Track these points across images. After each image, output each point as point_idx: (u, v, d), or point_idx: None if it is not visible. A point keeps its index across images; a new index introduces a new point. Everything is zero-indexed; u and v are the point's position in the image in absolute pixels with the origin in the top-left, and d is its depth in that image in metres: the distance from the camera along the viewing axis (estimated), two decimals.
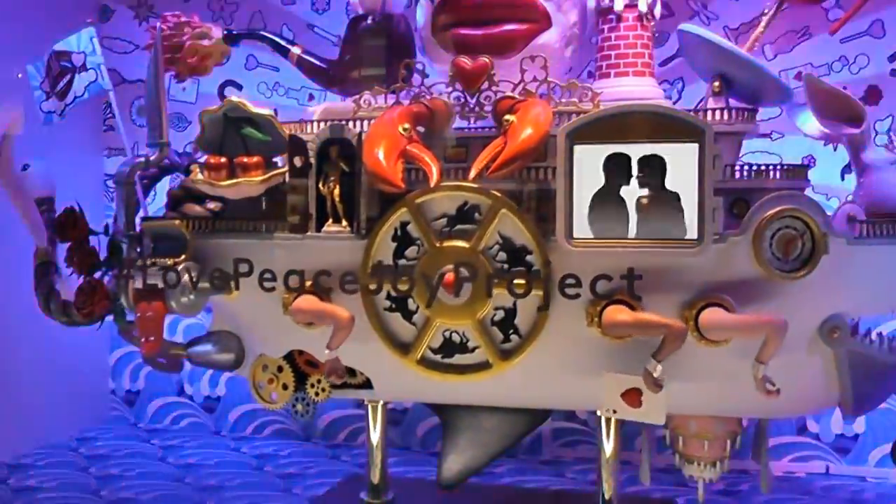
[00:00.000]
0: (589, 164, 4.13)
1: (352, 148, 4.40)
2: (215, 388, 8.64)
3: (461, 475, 4.99)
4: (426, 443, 7.86)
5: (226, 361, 5.12)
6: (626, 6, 4.76)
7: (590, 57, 5.06)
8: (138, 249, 4.90)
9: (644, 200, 4.10)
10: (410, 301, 4.45)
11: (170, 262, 4.70)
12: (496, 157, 4.03)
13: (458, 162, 4.39)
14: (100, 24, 8.63)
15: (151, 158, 5.05)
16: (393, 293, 4.42)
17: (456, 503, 5.32)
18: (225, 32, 5.48)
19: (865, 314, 4.51)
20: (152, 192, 5.31)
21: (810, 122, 4.57)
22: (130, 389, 8.93)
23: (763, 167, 4.20)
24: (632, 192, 4.12)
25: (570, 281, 4.14)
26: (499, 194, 4.23)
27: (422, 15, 5.01)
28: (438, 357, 4.51)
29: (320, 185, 4.47)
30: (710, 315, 4.03)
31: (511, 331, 4.39)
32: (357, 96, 4.72)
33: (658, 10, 4.85)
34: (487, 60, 4.42)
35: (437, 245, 4.33)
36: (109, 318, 5.15)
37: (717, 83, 4.46)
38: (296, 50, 5.34)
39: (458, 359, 4.48)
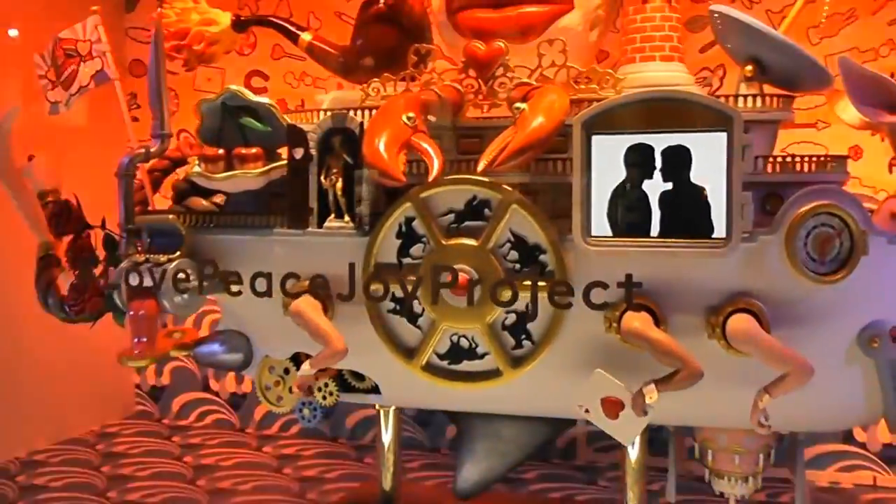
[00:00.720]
0: (608, 155, 3.84)
1: (355, 138, 4.15)
2: (241, 385, 8.51)
3: (479, 486, 4.76)
4: (456, 445, 7.52)
5: (233, 362, 4.90)
6: None
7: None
8: (139, 245, 4.69)
9: (667, 195, 3.80)
10: (415, 303, 4.17)
11: (163, 258, 4.49)
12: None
13: (471, 153, 4.08)
14: (125, 13, 8.57)
15: (153, 150, 4.81)
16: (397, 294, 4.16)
17: None
18: (233, 18, 5.21)
19: None
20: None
21: (849, 111, 4.23)
22: (155, 385, 8.88)
23: (798, 158, 3.87)
24: (655, 187, 3.82)
25: (588, 283, 3.83)
26: (510, 188, 3.95)
27: None
28: (445, 363, 4.24)
29: (322, 178, 4.24)
30: (739, 324, 3.73)
31: (523, 336, 4.11)
32: (365, 84, 4.44)
33: None
34: (502, 45, 4.14)
35: (444, 243, 4.06)
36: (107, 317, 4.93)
37: (749, 67, 4.14)
38: (306, 36, 5.06)
39: (467, 365, 4.22)
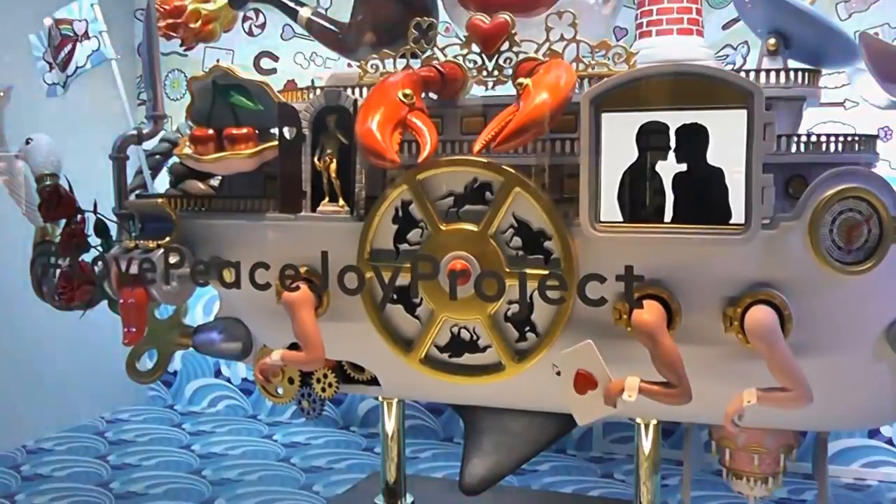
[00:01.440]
0: (619, 134, 3.57)
1: (350, 117, 3.92)
2: (252, 371, 8.27)
3: (485, 481, 4.51)
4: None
5: (232, 350, 4.75)
6: None
7: None
8: (132, 230, 4.59)
9: (681, 178, 3.54)
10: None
11: (152, 245, 4.31)
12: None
13: (475, 133, 3.80)
14: None
15: (145, 132, 4.71)
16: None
17: None
18: None
19: None
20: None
21: (874, 90, 3.98)
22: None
23: (824, 137, 3.60)
24: (668, 168, 3.56)
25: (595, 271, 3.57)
26: (513, 170, 3.71)
27: None
28: (445, 356, 4.02)
29: (316, 160, 4.02)
30: (758, 316, 3.48)
31: (527, 328, 3.87)
32: (363, 60, 4.20)
33: None
34: (507, 19, 3.88)
35: (442, 228, 3.83)
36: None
37: (772, 41, 3.89)
38: (305, 12, 4.83)
39: (468, 359, 3.99)
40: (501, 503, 5.28)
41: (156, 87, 4.66)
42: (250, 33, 8.10)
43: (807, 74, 3.73)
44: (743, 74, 3.58)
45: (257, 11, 7.97)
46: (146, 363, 4.94)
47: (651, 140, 3.57)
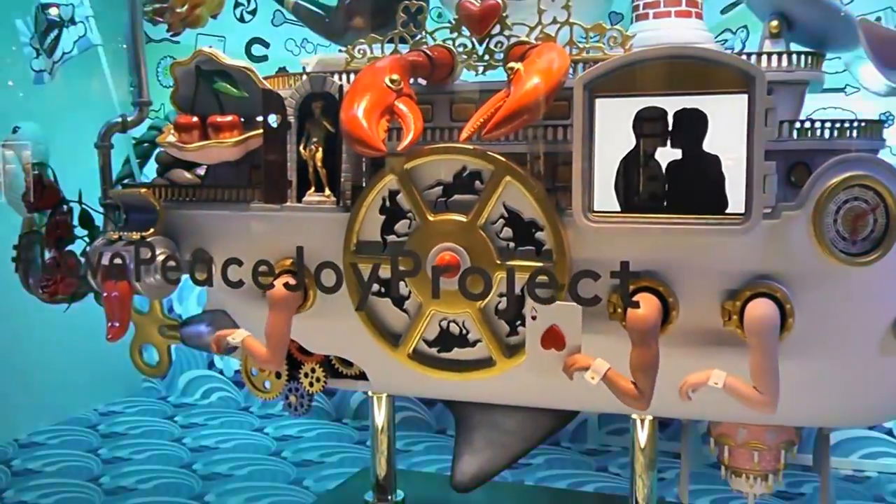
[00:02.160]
0: (614, 121, 3.45)
1: (336, 104, 3.78)
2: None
3: (477, 479, 4.43)
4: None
5: None
6: None
7: None
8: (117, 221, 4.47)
9: (678, 165, 3.42)
10: (402, 284, 3.82)
11: (135, 236, 4.19)
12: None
13: (465, 120, 3.68)
14: None
15: (129, 119, 4.60)
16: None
17: None
18: None
19: None
20: None
21: (873, 77, 3.86)
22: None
23: (828, 123, 3.47)
24: (665, 156, 3.44)
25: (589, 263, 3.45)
26: (503, 158, 3.59)
27: None
28: (434, 351, 3.91)
29: (301, 148, 3.90)
30: (759, 311, 3.36)
31: (519, 322, 3.75)
32: (350, 45, 4.07)
33: None
34: (498, 1, 3.77)
35: (431, 219, 3.71)
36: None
37: (774, 23, 3.76)
38: None
39: (457, 353, 3.88)
40: (494, 500, 5.19)
41: (140, 72, 4.55)
42: (241, 19, 7.99)
43: (810, 58, 3.61)
44: (744, 58, 3.45)
45: None
46: (152, 354, 4.86)
47: (647, 127, 3.44)
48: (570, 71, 3.56)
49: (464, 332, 3.85)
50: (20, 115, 4.89)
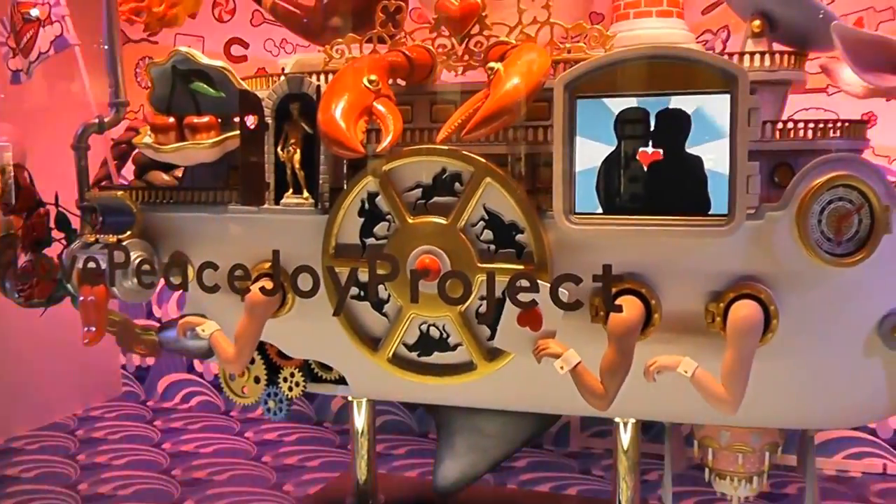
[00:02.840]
0: (595, 121, 3.42)
1: (313, 105, 3.74)
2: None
3: (459, 483, 4.43)
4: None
5: (198, 349, 4.56)
6: None
7: None
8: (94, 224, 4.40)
9: (660, 166, 3.39)
10: (381, 287, 3.79)
11: (112, 239, 4.13)
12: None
13: (445, 121, 3.63)
14: None
15: (106, 120, 4.51)
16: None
17: None
18: None
19: None
20: None
21: (851, 80, 3.83)
22: (140, 365, 8.66)
23: (812, 124, 3.45)
24: (648, 157, 3.41)
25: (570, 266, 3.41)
26: (483, 159, 3.56)
27: None
28: (414, 355, 3.87)
29: (279, 149, 3.86)
30: (743, 312, 3.34)
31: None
32: (328, 45, 4.03)
33: None
34: (478, 1, 3.73)
35: (410, 221, 3.68)
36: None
37: (756, 22, 3.71)
38: None
39: (437, 357, 3.84)
40: None
41: (117, 73, 4.47)
42: (220, 19, 7.91)
43: (792, 57, 3.59)
44: (726, 58, 3.44)
45: None
46: None
47: (629, 127, 3.42)
48: (551, 71, 3.53)
49: (444, 335, 3.81)
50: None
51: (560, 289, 3.27)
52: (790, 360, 3.38)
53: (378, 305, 3.86)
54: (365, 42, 3.91)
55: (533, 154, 3.60)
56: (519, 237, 3.59)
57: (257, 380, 4.52)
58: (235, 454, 7.01)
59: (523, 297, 3.33)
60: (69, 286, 4.35)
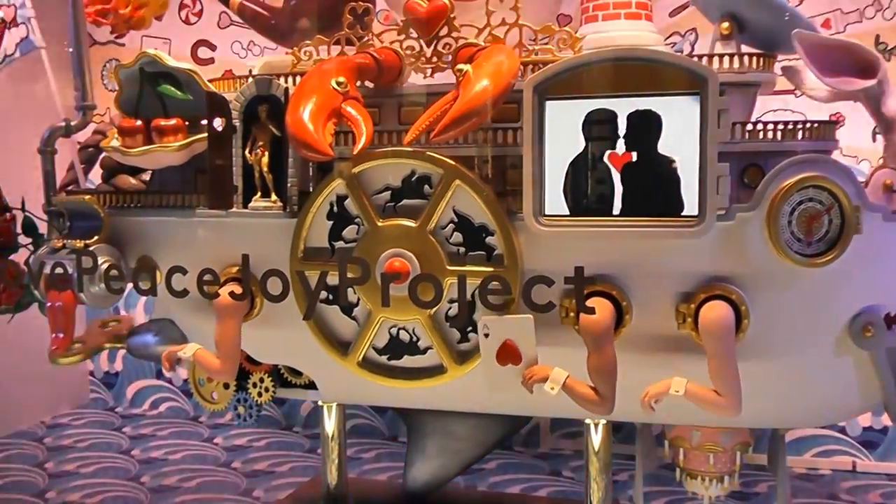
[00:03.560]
0: (565, 123, 3.41)
1: (282, 107, 3.70)
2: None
3: (429, 486, 4.45)
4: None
5: None
6: None
7: None
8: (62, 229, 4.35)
9: (631, 168, 3.38)
10: (350, 291, 3.76)
11: (79, 244, 4.08)
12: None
13: (413, 123, 3.63)
14: None
15: (73, 123, 4.47)
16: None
17: None
18: None
19: None
20: None
21: (815, 85, 3.86)
22: (109, 371, 8.65)
23: (782, 125, 3.45)
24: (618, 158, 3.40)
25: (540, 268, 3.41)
26: (452, 162, 3.53)
27: None
28: (384, 359, 3.84)
29: (247, 152, 3.82)
30: (714, 313, 3.32)
31: (470, 328, 3.68)
32: (296, 47, 4.01)
33: None
34: (446, 2, 3.70)
35: (380, 224, 3.65)
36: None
37: (725, 24, 3.73)
38: None
39: (408, 361, 3.81)
40: None
41: (84, 75, 4.42)
42: (187, 21, 7.87)
43: (761, 59, 3.59)
44: (696, 59, 3.43)
45: None
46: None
47: (598, 129, 3.41)
48: (520, 73, 3.50)
49: (414, 339, 3.78)
50: None
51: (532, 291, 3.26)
52: (761, 360, 3.37)
53: (347, 309, 3.82)
54: (333, 44, 3.88)
55: (502, 156, 3.57)
56: (489, 239, 3.56)
57: (226, 386, 4.47)
58: (205, 460, 6.98)
59: (494, 298, 3.32)
60: (36, 292, 4.30)
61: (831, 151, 3.51)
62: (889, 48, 6.05)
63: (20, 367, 7.39)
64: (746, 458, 4.06)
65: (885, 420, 6.26)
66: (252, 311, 3.90)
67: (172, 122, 3.92)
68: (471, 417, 4.24)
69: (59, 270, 4.02)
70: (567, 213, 3.43)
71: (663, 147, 3.34)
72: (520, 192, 3.44)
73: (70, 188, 4.51)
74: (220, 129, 3.81)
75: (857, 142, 5.66)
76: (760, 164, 3.44)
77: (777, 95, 4.83)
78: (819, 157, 3.34)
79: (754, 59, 3.58)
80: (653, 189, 3.36)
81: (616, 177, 3.39)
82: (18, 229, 4.61)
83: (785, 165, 3.29)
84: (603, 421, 4.04)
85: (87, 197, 4.19)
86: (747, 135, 3.44)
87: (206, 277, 3.75)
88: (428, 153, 3.55)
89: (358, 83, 3.61)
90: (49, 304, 4.16)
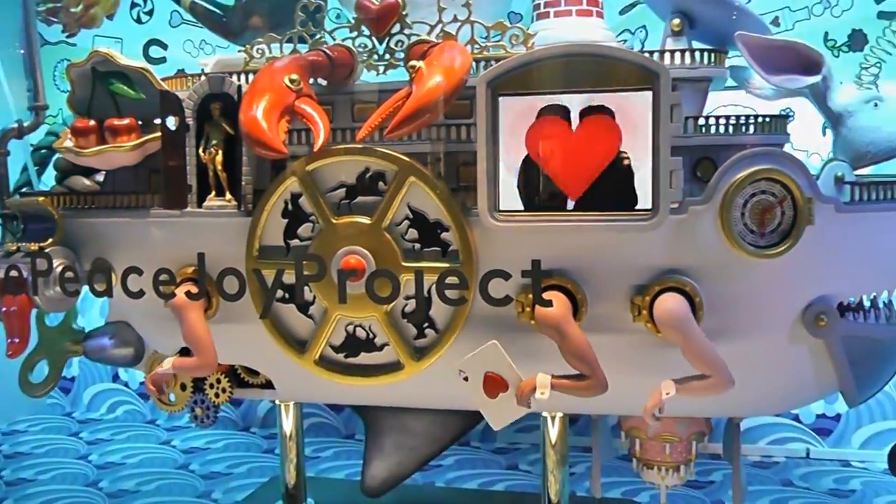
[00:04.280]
0: (518, 119, 3.41)
1: (235, 105, 3.69)
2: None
3: (387, 483, 4.41)
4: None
5: (124, 357, 4.50)
6: None
7: None
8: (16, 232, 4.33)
9: None
10: (306, 289, 3.75)
11: (34, 247, 4.05)
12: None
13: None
14: None
15: (25, 125, 4.44)
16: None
17: None
18: None
19: (859, 294, 3.79)
20: None
21: (761, 86, 4.02)
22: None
23: (734, 119, 3.51)
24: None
25: (496, 263, 3.41)
26: (406, 159, 3.54)
27: None
28: (341, 356, 3.84)
29: (201, 151, 3.80)
30: (667, 304, 3.35)
31: (425, 324, 3.70)
32: (248, 45, 3.99)
33: None
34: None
35: (335, 221, 3.64)
36: None
37: (676, 21, 3.79)
38: None
39: (364, 358, 3.82)
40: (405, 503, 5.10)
41: (36, 76, 4.40)
42: (138, 20, 7.77)
43: (712, 55, 3.63)
44: (646, 55, 3.45)
45: None
46: (43, 371, 4.63)
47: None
48: (473, 69, 3.52)
49: (371, 336, 3.79)
50: None
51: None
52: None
53: (304, 307, 3.81)
54: (285, 41, 3.87)
55: (456, 152, 3.59)
56: (444, 235, 3.58)
57: (183, 387, 4.42)
58: (163, 463, 6.91)
59: (451, 293, 3.33)
60: None
61: (783, 145, 3.54)
62: (838, 45, 6.11)
63: None
64: (703, 449, 4.10)
65: (839, 407, 6.36)
66: (208, 310, 3.88)
67: (125, 121, 3.90)
68: (427, 414, 4.25)
69: (13, 274, 3.97)
70: (521, 208, 3.44)
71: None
72: (474, 187, 3.45)
73: (23, 190, 4.47)
74: (173, 128, 3.78)
75: (806, 136, 5.72)
76: (713, 157, 3.48)
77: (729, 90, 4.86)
78: (772, 150, 3.38)
79: (705, 54, 3.62)
80: (606, 184, 3.37)
81: None
82: None
83: (737, 158, 3.33)
84: (559, 414, 4.06)
85: (41, 199, 4.16)
86: (700, 129, 3.48)
87: (163, 277, 3.73)
88: (382, 150, 3.55)
89: (311, 80, 3.60)
90: (4, 308, 4.10)
